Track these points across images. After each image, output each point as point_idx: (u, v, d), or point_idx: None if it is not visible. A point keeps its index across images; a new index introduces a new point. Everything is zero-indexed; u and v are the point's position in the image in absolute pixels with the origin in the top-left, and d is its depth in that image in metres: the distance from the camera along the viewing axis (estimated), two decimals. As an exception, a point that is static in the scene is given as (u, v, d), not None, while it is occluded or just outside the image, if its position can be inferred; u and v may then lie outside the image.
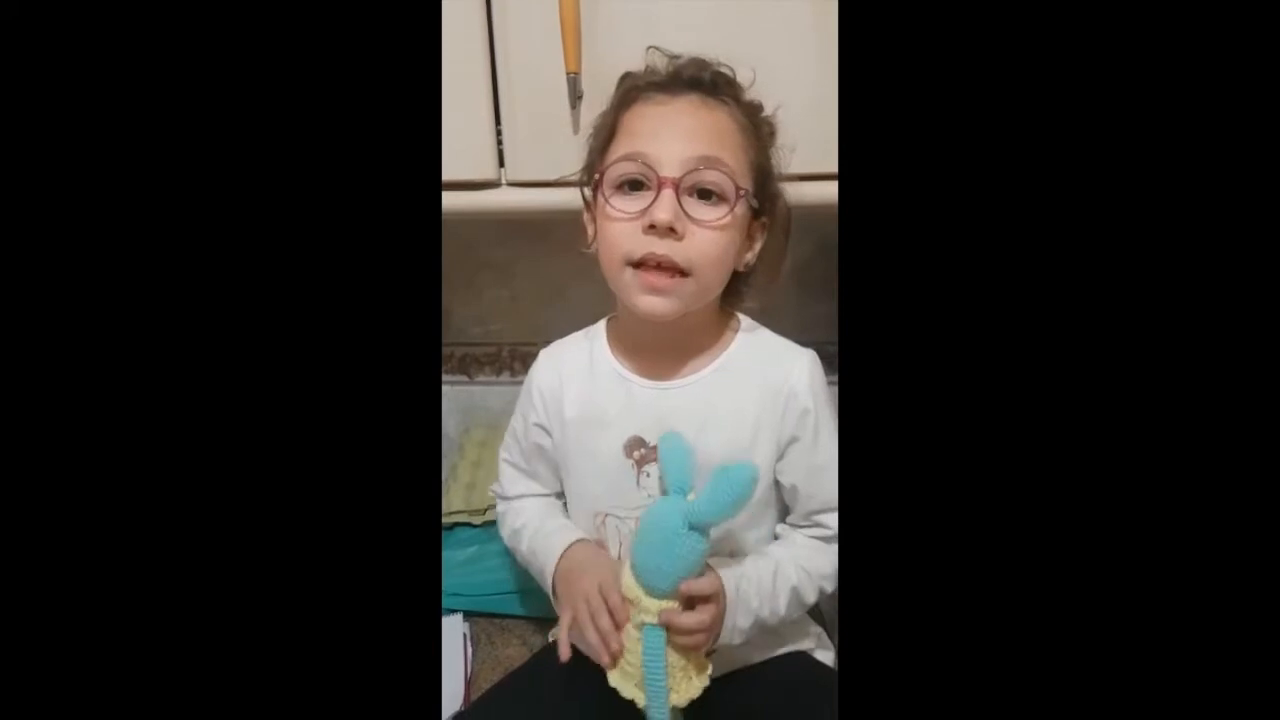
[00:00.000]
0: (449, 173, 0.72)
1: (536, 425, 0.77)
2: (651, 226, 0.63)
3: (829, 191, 0.73)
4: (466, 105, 0.76)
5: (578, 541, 0.73)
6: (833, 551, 0.73)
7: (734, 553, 0.72)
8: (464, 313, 1.15)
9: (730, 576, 0.66)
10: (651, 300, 0.66)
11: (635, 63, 0.69)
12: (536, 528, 0.77)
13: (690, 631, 0.62)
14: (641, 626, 0.62)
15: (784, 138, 0.70)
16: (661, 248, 0.63)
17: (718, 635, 0.65)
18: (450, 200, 0.77)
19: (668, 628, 0.62)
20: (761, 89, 0.69)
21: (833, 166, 0.72)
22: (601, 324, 0.78)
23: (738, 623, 0.66)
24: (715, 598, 0.63)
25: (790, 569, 0.70)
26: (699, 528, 0.61)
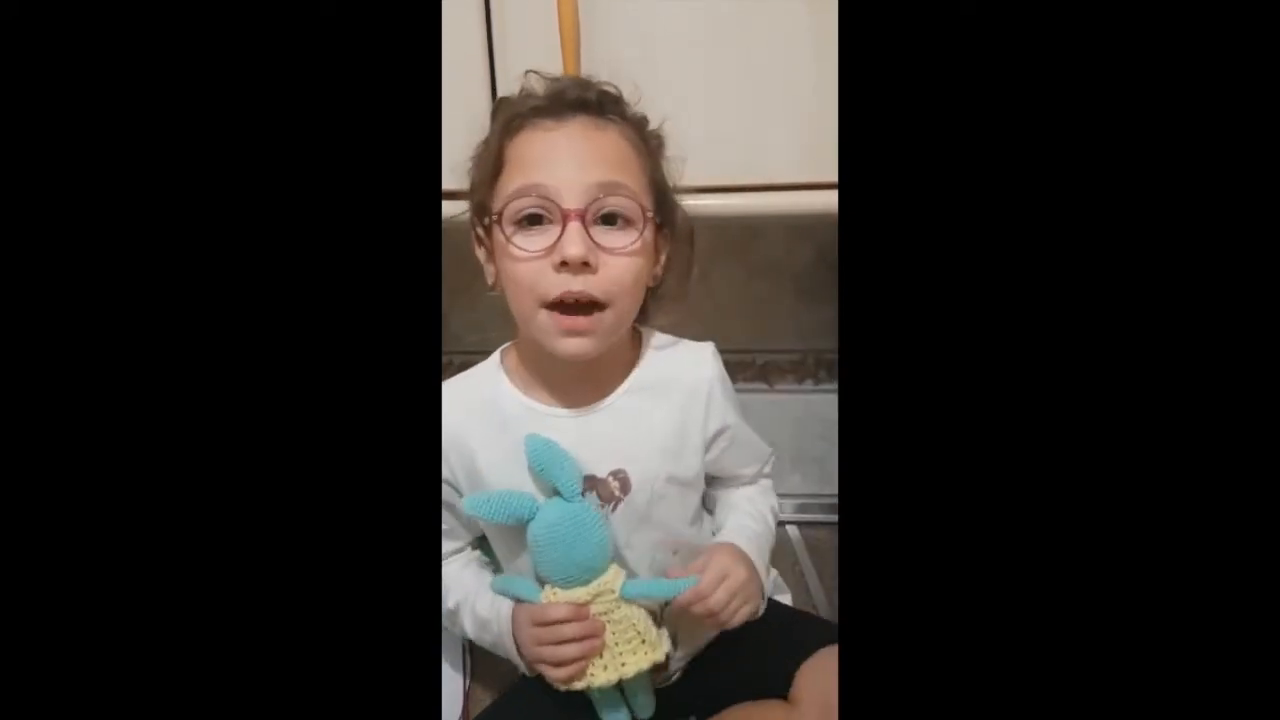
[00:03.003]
0: (446, 181, 0.72)
1: (446, 483, 0.71)
2: (563, 263, 0.60)
3: (825, 200, 0.73)
4: (465, 114, 0.75)
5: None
6: (767, 486, 0.79)
7: (677, 549, 0.71)
8: (460, 320, 1.15)
9: (744, 540, 0.70)
10: (573, 343, 0.63)
11: (634, 71, 0.69)
12: (474, 601, 0.72)
13: (724, 605, 0.64)
14: (614, 604, 0.64)
15: (674, 149, 0.68)
16: (576, 284, 0.61)
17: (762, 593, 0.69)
18: (448, 208, 0.76)
19: (705, 614, 0.64)
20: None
21: (829, 175, 0.72)
22: (495, 359, 0.74)
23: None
24: (728, 568, 0.65)
25: (767, 513, 0.77)
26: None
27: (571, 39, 0.73)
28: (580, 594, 0.64)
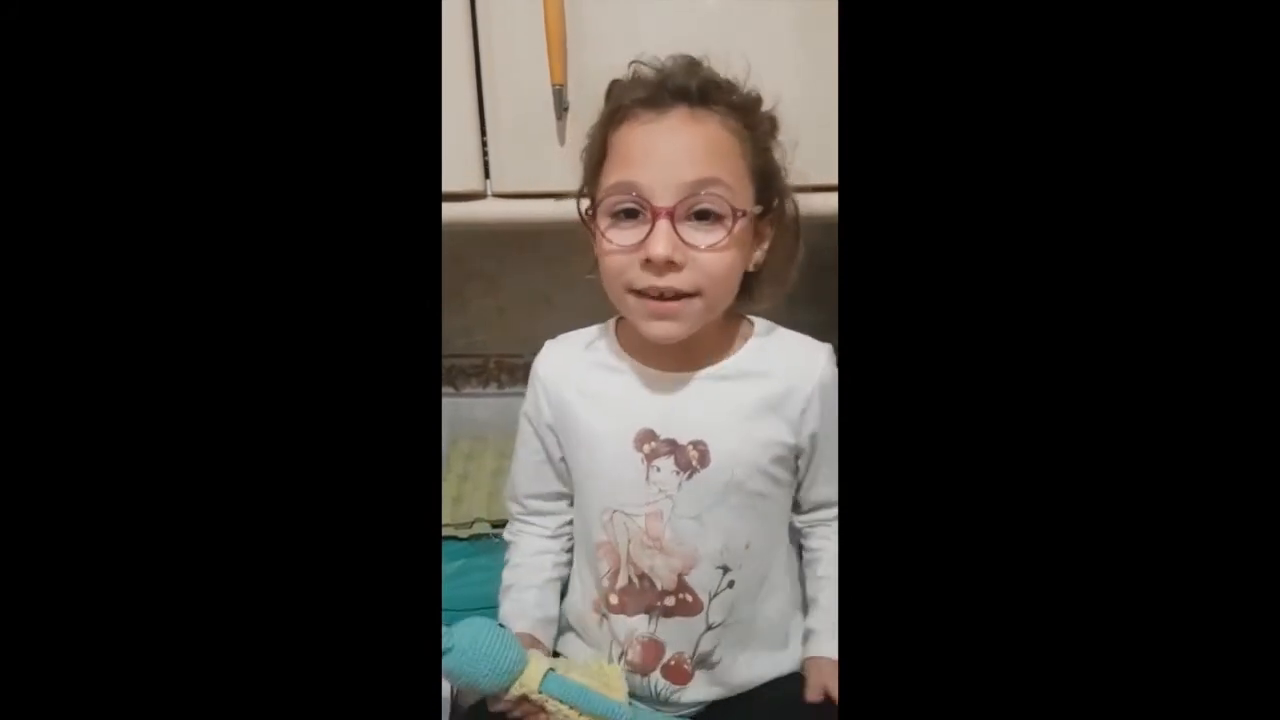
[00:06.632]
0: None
1: (548, 427, 0.75)
2: (649, 261, 0.62)
3: (814, 203, 0.73)
4: (452, 116, 0.75)
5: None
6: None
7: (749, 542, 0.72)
8: (450, 324, 1.14)
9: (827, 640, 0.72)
10: (660, 326, 0.65)
11: (621, 74, 0.69)
12: (519, 596, 0.77)
13: None
14: (544, 696, 0.64)
15: (784, 132, 0.69)
16: (663, 280, 0.63)
17: None
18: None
19: None
20: (776, 109, 0.68)
21: (818, 178, 0.72)
22: (610, 322, 0.77)
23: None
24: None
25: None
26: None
27: (558, 46, 0.73)
28: (511, 693, 0.65)
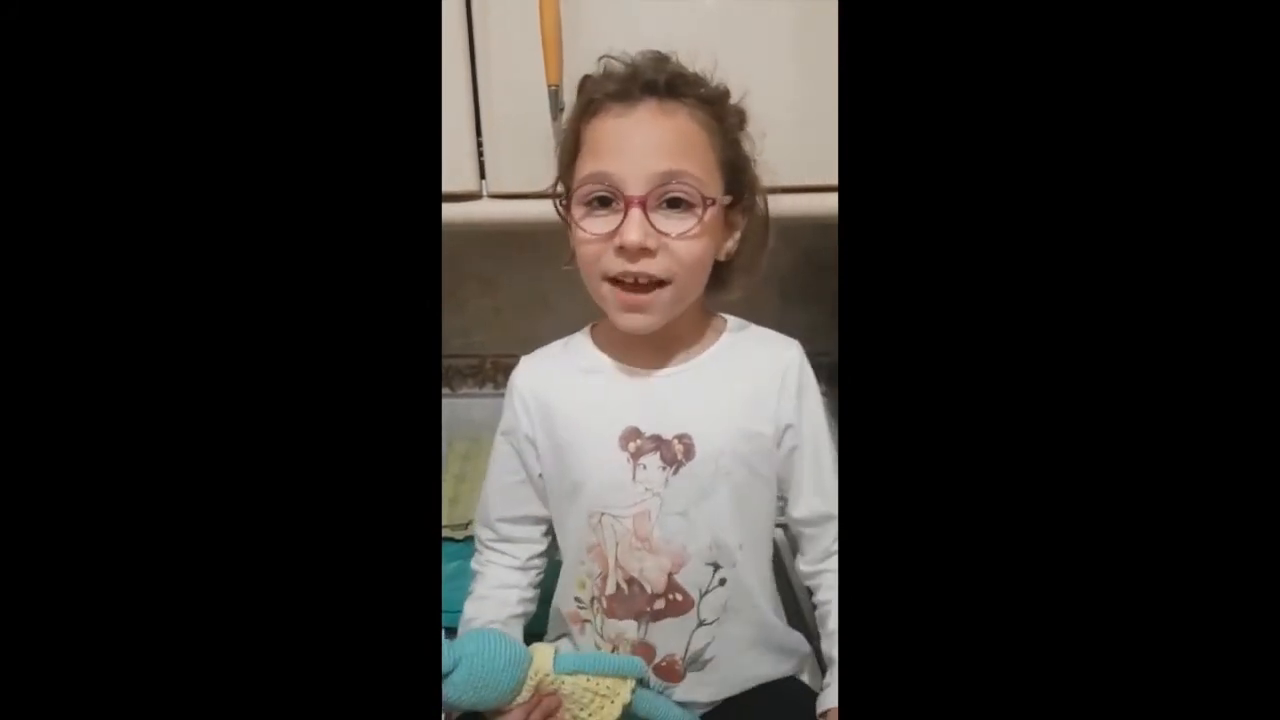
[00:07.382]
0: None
1: (527, 439, 0.75)
2: (623, 248, 0.63)
3: (810, 203, 0.73)
4: (448, 117, 0.75)
5: None
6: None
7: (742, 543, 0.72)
8: (447, 324, 1.14)
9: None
10: (631, 318, 0.67)
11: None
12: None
13: None
14: (557, 680, 0.66)
15: (754, 126, 0.69)
16: (636, 266, 0.64)
17: None
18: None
19: None
20: (741, 101, 0.68)
21: (815, 179, 0.72)
22: (584, 329, 0.78)
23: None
24: None
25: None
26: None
27: (554, 47, 0.73)
28: (524, 694, 0.66)
